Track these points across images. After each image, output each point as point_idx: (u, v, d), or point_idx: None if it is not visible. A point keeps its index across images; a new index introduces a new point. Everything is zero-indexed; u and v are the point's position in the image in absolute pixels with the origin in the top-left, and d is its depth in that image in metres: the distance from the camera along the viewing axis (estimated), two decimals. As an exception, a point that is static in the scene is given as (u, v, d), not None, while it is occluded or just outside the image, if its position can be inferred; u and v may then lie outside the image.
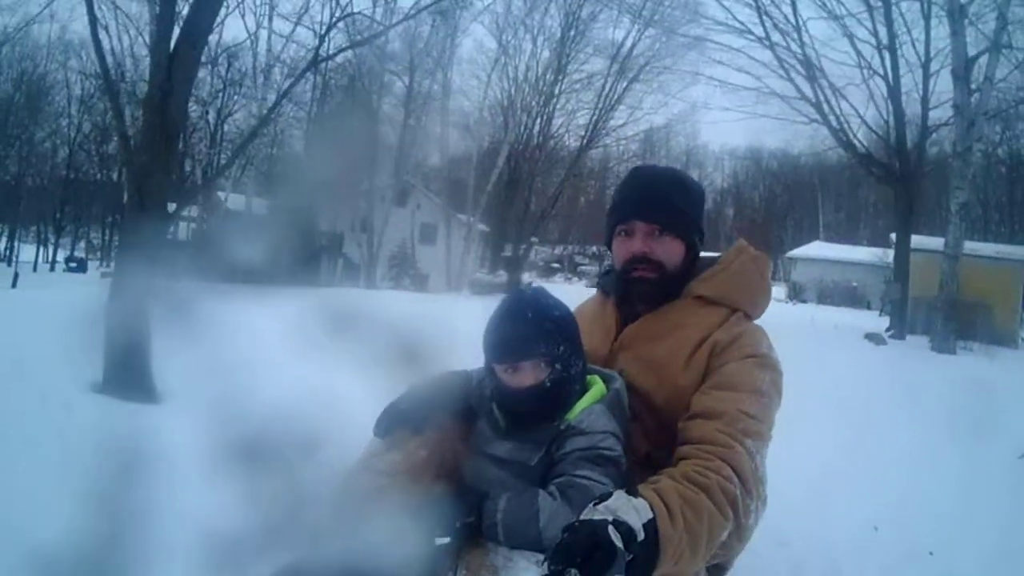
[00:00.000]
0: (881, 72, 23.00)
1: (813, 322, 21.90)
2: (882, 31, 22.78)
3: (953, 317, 17.34)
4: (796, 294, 40.45)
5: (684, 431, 2.37)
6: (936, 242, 21.83)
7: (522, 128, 37.50)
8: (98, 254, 50.00)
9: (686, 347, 2.58)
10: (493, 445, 2.45)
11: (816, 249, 46.41)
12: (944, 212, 24.10)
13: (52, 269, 36.36)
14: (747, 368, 2.49)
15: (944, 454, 6.97)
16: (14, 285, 25.55)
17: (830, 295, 41.13)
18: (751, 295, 2.74)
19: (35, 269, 39.25)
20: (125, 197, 7.97)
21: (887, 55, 22.78)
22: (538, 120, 38.31)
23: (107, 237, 51.39)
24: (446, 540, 2.27)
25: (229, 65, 37.58)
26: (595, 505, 1.90)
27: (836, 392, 9.32)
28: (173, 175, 8.62)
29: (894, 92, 22.65)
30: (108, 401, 6.80)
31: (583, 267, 55.09)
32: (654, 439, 2.45)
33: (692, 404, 2.44)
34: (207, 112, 38.36)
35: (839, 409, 8.35)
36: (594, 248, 55.39)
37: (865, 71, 23.32)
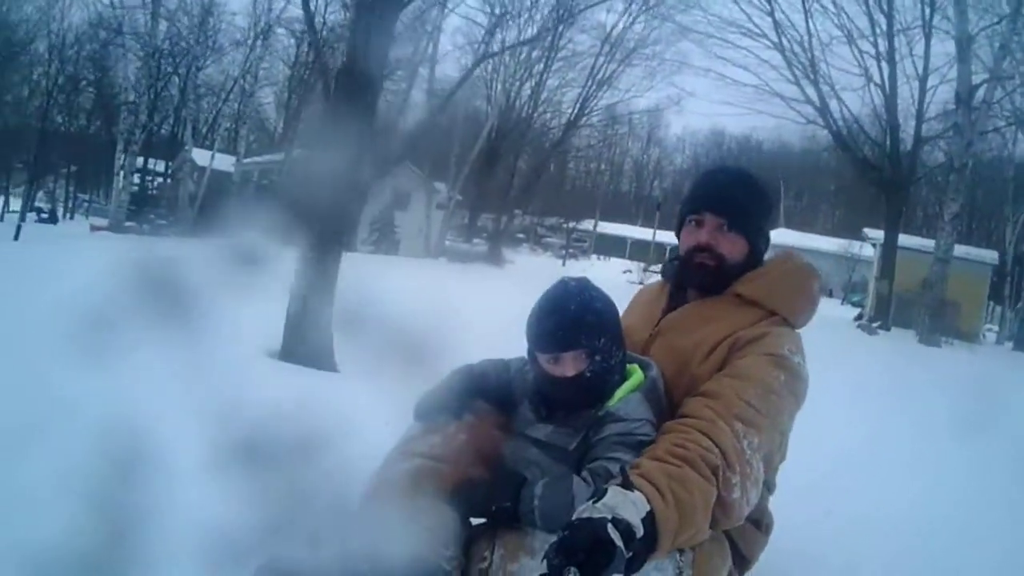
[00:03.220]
0: (878, 82, 24.19)
1: None
2: (883, 44, 23.94)
3: (939, 315, 18.98)
4: None
5: (681, 408, 2.44)
6: (912, 240, 23.45)
7: (509, 100, 37.75)
8: (66, 204, 49.28)
9: (711, 340, 2.61)
10: (534, 428, 2.49)
11: (780, 236, 46.17)
12: (923, 216, 25.65)
13: (22, 219, 35.17)
14: (761, 363, 2.50)
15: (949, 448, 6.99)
16: (16, 238, 24.97)
17: None
18: (790, 301, 2.72)
19: (2, 219, 37.97)
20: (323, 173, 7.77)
21: (886, 67, 23.98)
22: (529, 94, 38.69)
23: (70, 188, 50.88)
24: (482, 521, 2.41)
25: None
26: (594, 503, 1.92)
27: (856, 378, 9.92)
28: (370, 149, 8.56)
29: (891, 103, 23.94)
30: (295, 369, 6.89)
31: (547, 239, 55.50)
32: None
33: (700, 388, 2.49)
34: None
35: (858, 397, 8.58)
36: (552, 220, 55.56)
37: (865, 78, 24.41)
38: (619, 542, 1.83)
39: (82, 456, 3.10)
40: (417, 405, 2.64)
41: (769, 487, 2.72)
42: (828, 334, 15.96)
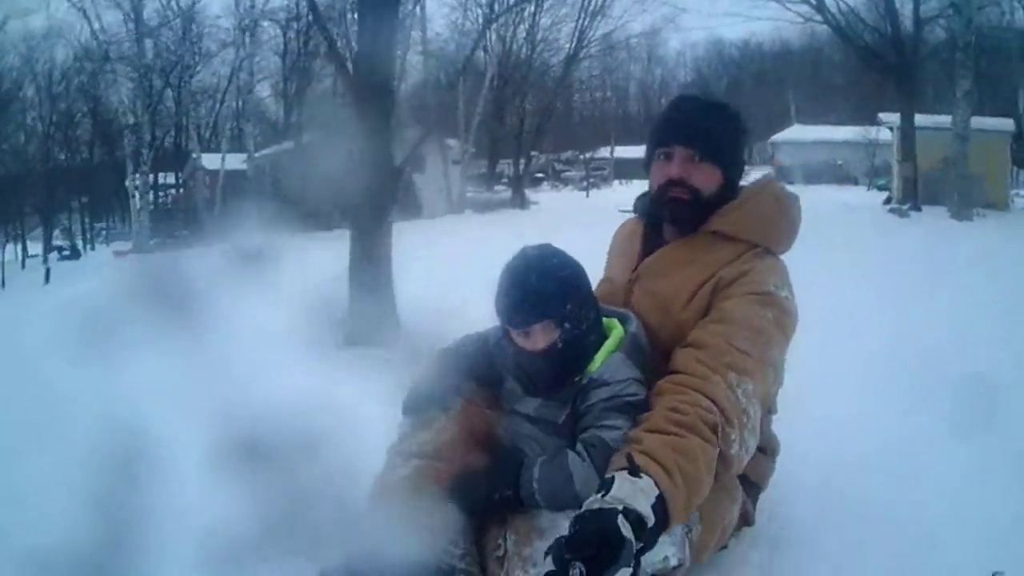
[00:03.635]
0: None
1: (824, 201, 23.31)
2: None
3: (966, 190, 19.28)
4: (783, 177, 40.92)
5: (671, 361, 2.41)
6: (927, 120, 23.54)
7: (506, 45, 37.77)
8: (84, 236, 49.18)
9: (692, 284, 2.58)
10: (523, 403, 2.49)
11: (796, 132, 46.71)
12: (933, 93, 25.67)
13: (45, 261, 34.80)
14: (746, 304, 2.46)
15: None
16: (47, 280, 25.15)
17: (817, 175, 41.27)
18: (768, 229, 2.69)
19: (24, 266, 38.09)
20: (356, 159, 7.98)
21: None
22: (524, 36, 38.75)
23: (85, 219, 50.94)
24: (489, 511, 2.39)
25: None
26: (603, 495, 1.90)
27: (904, 260, 10.39)
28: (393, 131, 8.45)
29: None
30: (366, 351, 6.72)
31: (566, 173, 55.56)
32: (661, 375, 2.40)
33: (688, 336, 2.46)
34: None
35: (916, 274, 8.87)
36: (567, 154, 55.57)
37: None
38: (629, 535, 1.82)
39: (185, 447, 3.30)
40: (404, 401, 2.64)
41: (771, 410, 2.78)
42: (862, 221, 16.95)
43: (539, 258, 2.42)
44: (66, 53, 40.71)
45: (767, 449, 2.76)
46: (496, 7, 33.10)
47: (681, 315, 2.55)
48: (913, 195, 22.01)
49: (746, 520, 2.78)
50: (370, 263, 7.72)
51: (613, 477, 1.95)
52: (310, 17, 26.92)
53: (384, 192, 8.00)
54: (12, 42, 39.77)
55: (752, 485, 2.75)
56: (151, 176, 37.68)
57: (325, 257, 7.94)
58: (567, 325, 2.36)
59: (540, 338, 2.37)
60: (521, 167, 37.99)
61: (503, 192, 38.38)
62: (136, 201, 35.23)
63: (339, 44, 15.12)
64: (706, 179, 2.64)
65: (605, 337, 2.46)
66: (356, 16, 8.87)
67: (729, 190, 2.70)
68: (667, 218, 2.74)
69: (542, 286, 2.34)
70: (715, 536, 2.50)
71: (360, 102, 8.18)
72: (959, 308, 6.80)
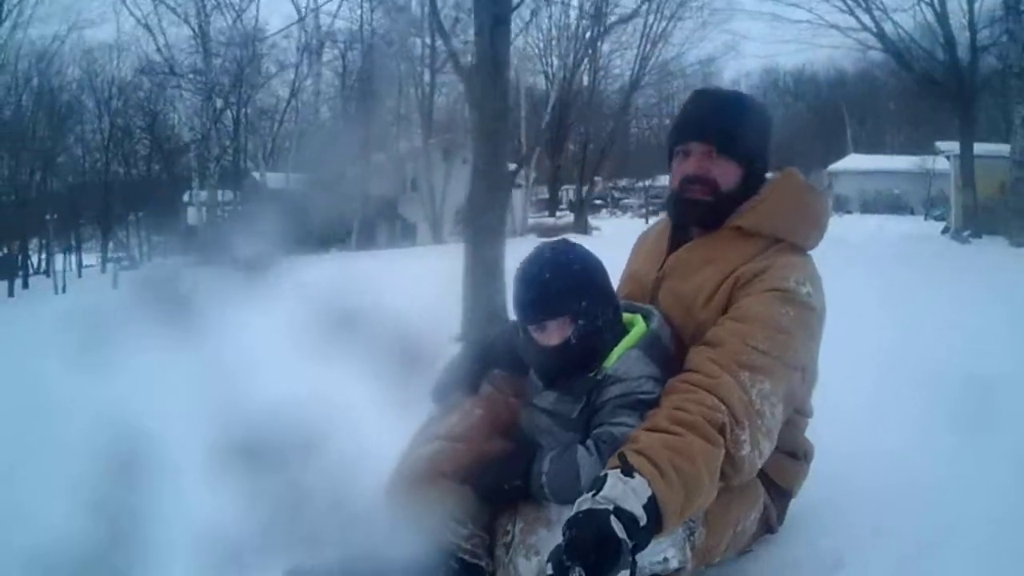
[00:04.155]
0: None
1: (883, 230, 23.55)
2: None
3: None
4: (841, 206, 40.28)
5: (686, 359, 2.37)
6: (982, 148, 23.80)
7: (567, 72, 37.63)
8: (141, 249, 48.10)
9: (712, 282, 2.51)
10: (540, 396, 2.48)
11: (854, 161, 46.55)
12: (986, 121, 25.74)
13: (104, 270, 34.59)
14: (765, 301, 2.39)
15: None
16: (115, 286, 24.82)
17: (873, 205, 41.74)
18: (790, 224, 2.60)
19: (80, 275, 38.00)
20: (471, 164, 8.28)
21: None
22: (586, 63, 38.82)
23: (141, 233, 49.56)
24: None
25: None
26: (594, 495, 1.88)
27: (964, 278, 10.73)
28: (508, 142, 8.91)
29: (943, 17, 24.13)
30: None
31: (624, 201, 55.98)
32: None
33: (706, 334, 2.41)
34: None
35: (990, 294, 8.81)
36: (623, 182, 55.97)
37: (915, -1, 24.64)
38: (623, 535, 1.82)
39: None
40: (432, 388, 2.65)
41: (804, 413, 2.70)
42: (927, 249, 17.28)
43: (554, 255, 2.42)
44: (128, 66, 41.74)
45: (798, 453, 2.71)
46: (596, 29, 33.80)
47: (701, 314, 2.51)
48: (973, 222, 22.18)
49: (769, 527, 2.73)
50: (485, 266, 7.89)
51: (606, 476, 1.95)
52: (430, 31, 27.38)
53: (499, 197, 8.34)
54: (73, 54, 40.68)
55: (780, 491, 2.69)
56: (217, 192, 38.02)
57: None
58: (581, 322, 2.36)
59: (554, 334, 2.38)
60: (583, 193, 38.25)
61: (565, 217, 38.77)
62: (203, 214, 35.73)
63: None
64: (725, 174, 2.60)
65: (625, 333, 2.46)
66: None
67: (752, 185, 2.64)
68: (689, 219, 2.70)
69: (556, 283, 2.35)
70: (723, 540, 2.47)
71: (479, 111, 8.45)
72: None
